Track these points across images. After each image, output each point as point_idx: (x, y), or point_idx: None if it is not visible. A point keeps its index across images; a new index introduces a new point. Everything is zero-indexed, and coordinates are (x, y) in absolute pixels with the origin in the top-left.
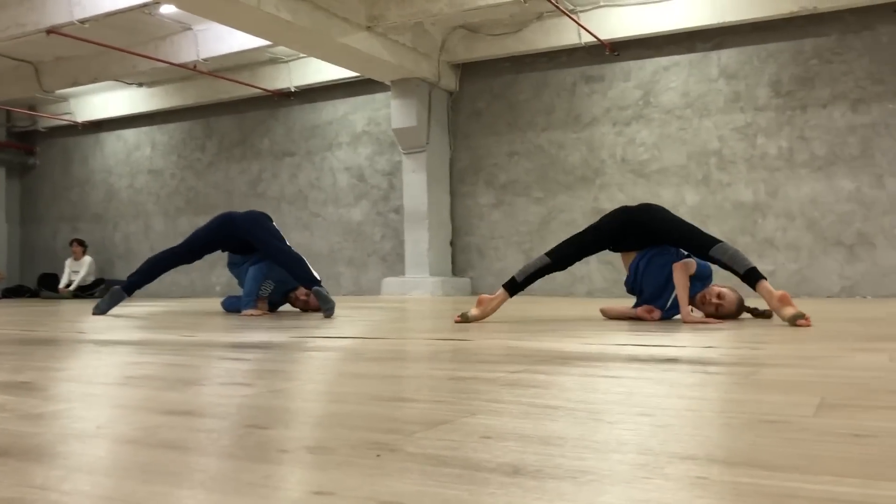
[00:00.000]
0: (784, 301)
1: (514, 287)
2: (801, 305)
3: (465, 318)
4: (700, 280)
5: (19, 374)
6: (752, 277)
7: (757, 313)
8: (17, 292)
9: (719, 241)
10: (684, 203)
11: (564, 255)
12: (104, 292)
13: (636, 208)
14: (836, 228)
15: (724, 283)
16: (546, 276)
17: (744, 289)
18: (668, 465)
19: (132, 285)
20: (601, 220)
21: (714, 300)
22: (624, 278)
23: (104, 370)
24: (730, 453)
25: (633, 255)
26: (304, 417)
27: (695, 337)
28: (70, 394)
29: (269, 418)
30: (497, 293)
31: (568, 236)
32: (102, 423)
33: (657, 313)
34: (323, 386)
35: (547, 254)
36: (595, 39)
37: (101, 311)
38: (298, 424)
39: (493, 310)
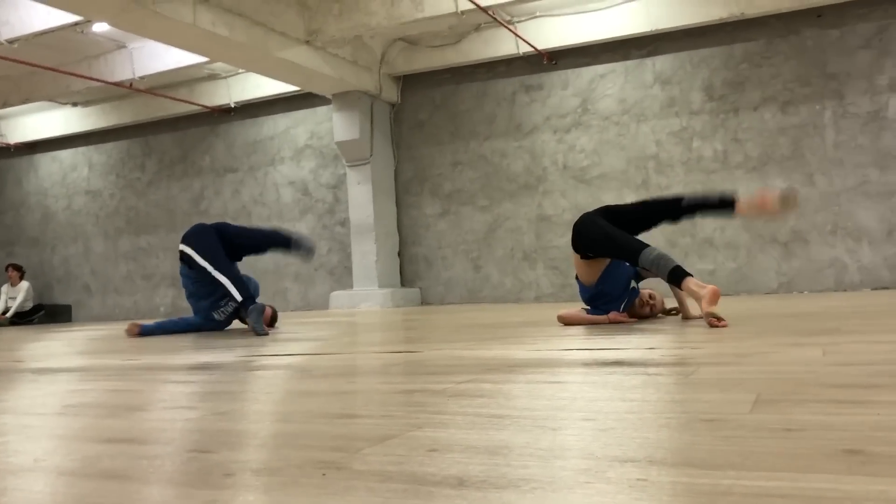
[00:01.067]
0: (712, 296)
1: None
2: (741, 303)
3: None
4: (631, 289)
5: None
6: (676, 278)
7: (666, 311)
8: None
9: (643, 248)
10: None
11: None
12: (43, 318)
13: (575, 225)
14: (772, 227)
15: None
16: (494, 283)
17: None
18: (609, 468)
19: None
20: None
21: (648, 301)
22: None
23: (41, 400)
24: (668, 454)
25: (603, 262)
26: (249, 439)
27: (638, 339)
28: (4, 426)
29: (213, 442)
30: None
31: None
32: (40, 455)
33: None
34: (269, 406)
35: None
36: (532, 49)
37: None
38: (243, 447)
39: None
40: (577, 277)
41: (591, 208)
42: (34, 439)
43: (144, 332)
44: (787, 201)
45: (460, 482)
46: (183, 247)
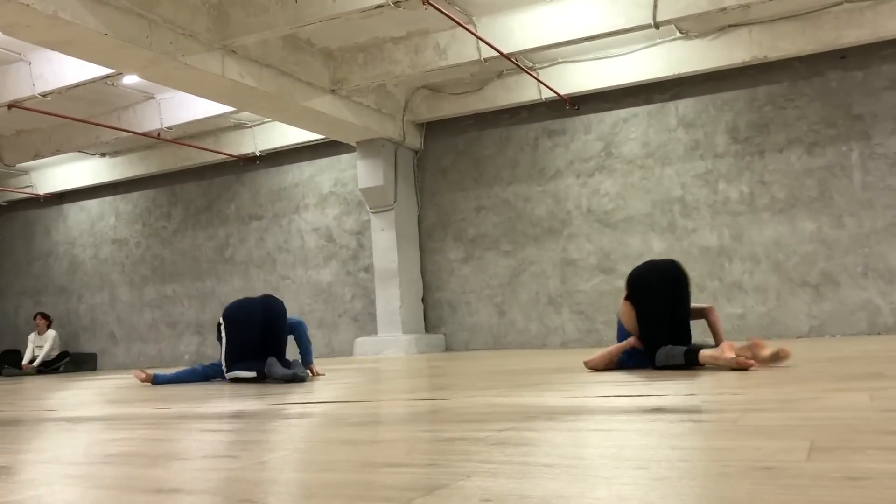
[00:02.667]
0: (728, 347)
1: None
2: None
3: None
4: None
5: None
6: (692, 359)
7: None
8: None
9: (657, 349)
10: (651, 250)
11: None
12: (69, 366)
13: (641, 276)
14: (801, 269)
15: None
16: (519, 328)
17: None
18: None
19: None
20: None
21: None
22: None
23: (83, 449)
24: (731, 503)
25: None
26: (297, 489)
27: (675, 385)
28: (49, 476)
29: (261, 491)
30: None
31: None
32: None
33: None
34: (309, 455)
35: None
36: (555, 95)
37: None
38: (292, 497)
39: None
40: (619, 319)
41: (616, 252)
42: (82, 489)
43: (158, 381)
44: (734, 365)
45: None
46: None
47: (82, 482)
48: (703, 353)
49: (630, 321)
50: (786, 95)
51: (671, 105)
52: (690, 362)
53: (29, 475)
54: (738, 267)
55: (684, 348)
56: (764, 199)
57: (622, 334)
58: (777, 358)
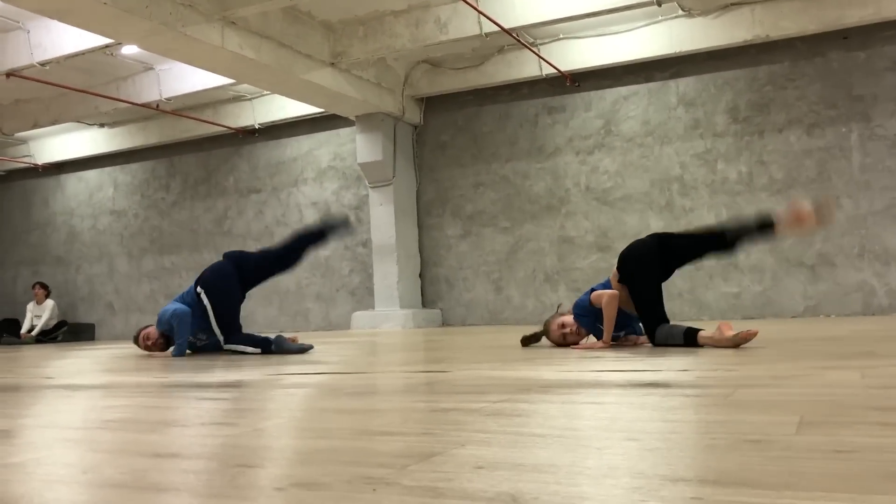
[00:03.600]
0: (725, 327)
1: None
2: (767, 326)
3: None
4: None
5: None
6: (692, 339)
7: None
8: None
9: (659, 325)
10: (649, 229)
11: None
12: (67, 335)
13: (630, 253)
14: (798, 250)
15: None
16: (516, 305)
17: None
18: (661, 487)
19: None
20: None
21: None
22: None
23: (81, 415)
24: (720, 474)
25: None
26: (292, 455)
27: (669, 361)
28: (48, 440)
29: (257, 457)
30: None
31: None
32: (88, 467)
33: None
34: (306, 423)
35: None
36: (556, 71)
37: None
38: (288, 462)
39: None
40: (590, 301)
41: (613, 230)
42: (80, 453)
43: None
44: (824, 213)
45: (513, 499)
46: (200, 291)
47: (80, 446)
48: (703, 334)
49: (612, 305)
50: (787, 75)
51: (671, 83)
52: (689, 343)
53: (28, 439)
54: None
55: (684, 328)
56: (762, 180)
57: (589, 317)
58: (741, 339)
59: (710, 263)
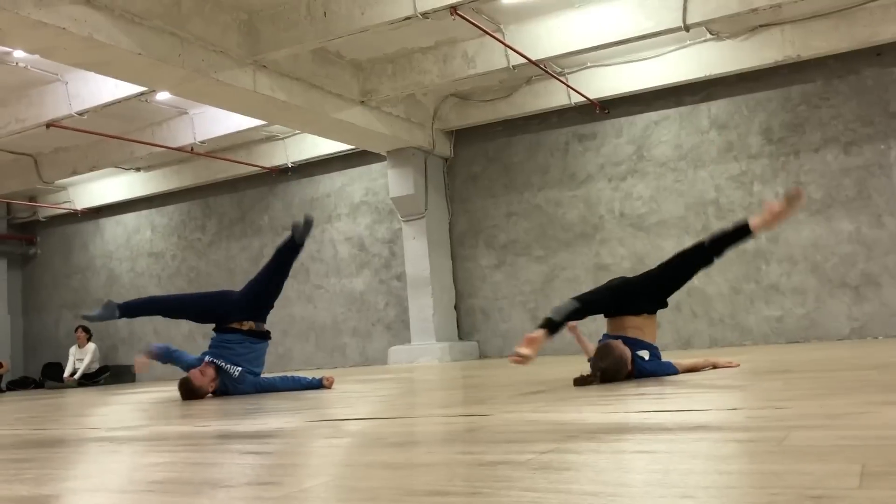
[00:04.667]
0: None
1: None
2: (813, 351)
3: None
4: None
5: (43, 485)
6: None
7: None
8: (21, 384)
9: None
10: None
11: (596, 302)
12: (109, 379)
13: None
14: (840, 270)
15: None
16: (556, 336)
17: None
18: None
19: (128, 308)
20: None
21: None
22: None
23: (126, 475)
24: None
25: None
26: None
27: (717, 397)
28: None
29: None
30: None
31: (573, 293)
32: None
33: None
34: (351, 481)
35: (582, 301)
36: (584, 99)
37: (91, 317)
38: None
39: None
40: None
41: (650, 256)
42: None
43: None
44: (793, 199)
45: None
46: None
47: None
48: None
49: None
50: (820, 94)
51: (703, 107)
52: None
53: None
54: (776, 269)
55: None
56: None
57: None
58: (793, 201)
59: (750, 287)
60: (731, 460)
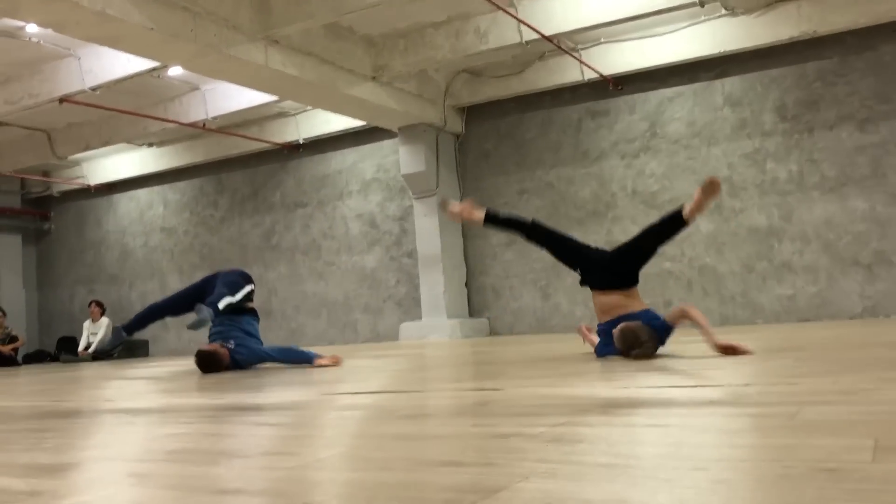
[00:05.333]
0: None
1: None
2: (825, 329)
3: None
4: None
5: (62, 454)
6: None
7: (635, 354)
8: (37, 357)
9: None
10: (699, 231)
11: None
12: (122, 352)
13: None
14: (853, 249)
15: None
16: (564, 312)
17: None
18: None
19: (131, 327)
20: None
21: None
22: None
23: (143, 445)
24: None
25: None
26: (357, 490)
27: (728, 374)
28: (117, 475)
29: (322, 492)
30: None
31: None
32: None
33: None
34: (365, 452)
35: (533, 221)
36: (598, 75)
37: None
38: (354, 499)
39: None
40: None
41: None
42: (150, 489)
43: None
44: (707, 189)
45: None
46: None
47: (148, 482)
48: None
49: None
50: (836, 71)
51: (717, 83)
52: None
53: (97, 474)
54: (788, 247)
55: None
56: (814, 178)
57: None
58: (709, 189)
59: (762, 265)
60: (744, 434)
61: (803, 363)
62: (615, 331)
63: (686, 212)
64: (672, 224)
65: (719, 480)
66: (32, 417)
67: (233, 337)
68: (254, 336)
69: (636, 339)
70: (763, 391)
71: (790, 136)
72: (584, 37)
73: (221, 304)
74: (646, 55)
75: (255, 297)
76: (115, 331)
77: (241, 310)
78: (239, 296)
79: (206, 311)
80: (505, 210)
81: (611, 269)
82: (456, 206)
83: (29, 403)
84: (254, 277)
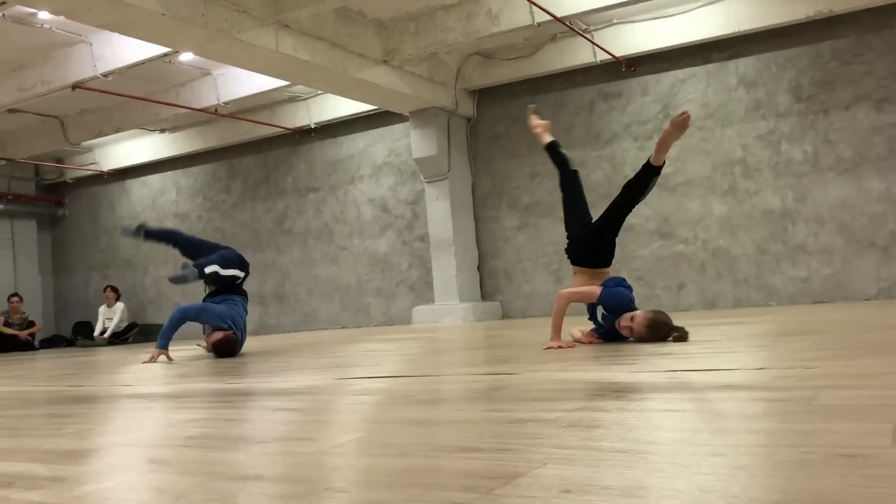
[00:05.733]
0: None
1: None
2: (839, 311)
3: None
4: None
5: (83, 440)
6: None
7: (675, 337)
8: (54, 342)
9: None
10: (712, 214)
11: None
12: (137, 336)
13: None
14: (869, 230)
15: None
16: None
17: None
18: None
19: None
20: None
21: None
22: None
23: (162, 430)
24: (819, 497)
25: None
26: (376, 476)
27: (743, 357)
28: (137, 461)
29: (342, 478)
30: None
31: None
32: (179, 493)
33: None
34: (383, 437)
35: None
36: (610, 57)
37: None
38: (373, 486)
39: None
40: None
41: (675, 217)
42: (170, 476)
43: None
44: (677, 122)
45: None
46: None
47: (168, 468)
48: None
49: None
50: (852, 50)
51: (731, 64)
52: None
53: (117, 459)
54: (803, 229)
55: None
56: (829, 159)
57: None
58: (678, 123)
59: (777, 247)
60: (761, 419)
61: (819, 346)
62: (644, 328)
63: (652, 158)
64: (645, 175)
65: (738, 466)
66: (52, 402)
67: (235, 319)
68: (243, 317)
69: (667, 325)
70: (779, 375)
71: (805, 117)
72: (597, 18)
73: (207, 270)
74: (659, 36)
75: (269, 282)
76: (139, 228)
77: (236, 288)
78: (226, 273)
79: (191, 270)
80: (562, 153)
81: (592, 247)
82: (536, 121)
83: (48, 388)
84: (267, 262)
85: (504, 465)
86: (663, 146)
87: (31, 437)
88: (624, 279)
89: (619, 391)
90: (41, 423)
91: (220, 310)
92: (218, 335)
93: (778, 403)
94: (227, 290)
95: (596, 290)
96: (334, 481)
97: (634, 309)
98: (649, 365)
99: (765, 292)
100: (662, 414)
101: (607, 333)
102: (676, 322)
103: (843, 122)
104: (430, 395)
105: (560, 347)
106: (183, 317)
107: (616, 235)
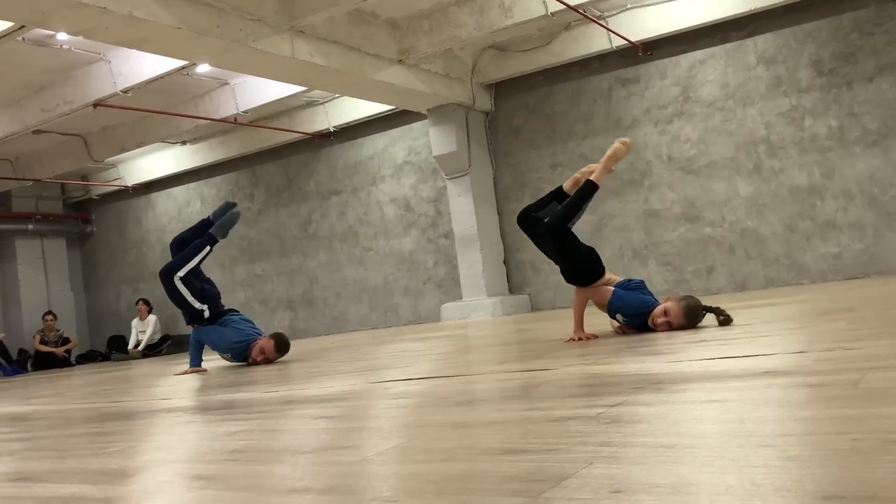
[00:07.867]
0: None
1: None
2: (874, 287)
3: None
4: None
5: (130, 458)
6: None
7: (721, 322)
8: (89, 357)
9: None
10: (738, 195)
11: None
12: (171, 348)
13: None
14: None
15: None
16: None
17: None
18: None
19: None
20: None
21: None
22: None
23: (206, 445)
24: (876, 488)
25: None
26: (425, 484)
27: (781, 341)
28: (185, 479)
29: (389, 488)
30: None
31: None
32: None
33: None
34: (426, 442)
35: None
36: (626, 42)
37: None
38: (422, 494)
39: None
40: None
41: (700, 199)
42: (220, 492)
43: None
44: (622, 150)
45: None
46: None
47: (216, 484)
48: None
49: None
50: (873, 20)
51: (749, 42)
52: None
53: (165, 477)
54: (831, 205)
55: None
56: (855, 132)
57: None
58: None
59: (806, 224)
60: (806, 406)
61: (858, 325)
62: (683, 318)
63: (593, 176)
64: (585, 194)
65: (788, 458)
66: (94, 420)
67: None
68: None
69: (700, 307)
70: (820, 358)
71: (828, 91)
72: (610, 3)
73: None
74: (674, 18)
75: (297, 286)
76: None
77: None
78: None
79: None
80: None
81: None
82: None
83: (88, 405)
84: (294, 267)
85: (550, 466)
86: (610, 164)
87: (77, 458)
88: (631, 279)
89: (658, 383)
90: (86, 441)
91: (230, 332)
92: (265, 342)
93: (822, 388)
94: (214, 307)
95: (608, 290)
96: (382, 490)
97: (651, 303)
98: (685, 354)
99: (796, 271)
100: (705, 405)
101: (641, 323)
102: (711, 305)
103: (868, 93)
104: (466, 396)
105: (580, 339)
106: (197, 343)
107: (576, 248)
